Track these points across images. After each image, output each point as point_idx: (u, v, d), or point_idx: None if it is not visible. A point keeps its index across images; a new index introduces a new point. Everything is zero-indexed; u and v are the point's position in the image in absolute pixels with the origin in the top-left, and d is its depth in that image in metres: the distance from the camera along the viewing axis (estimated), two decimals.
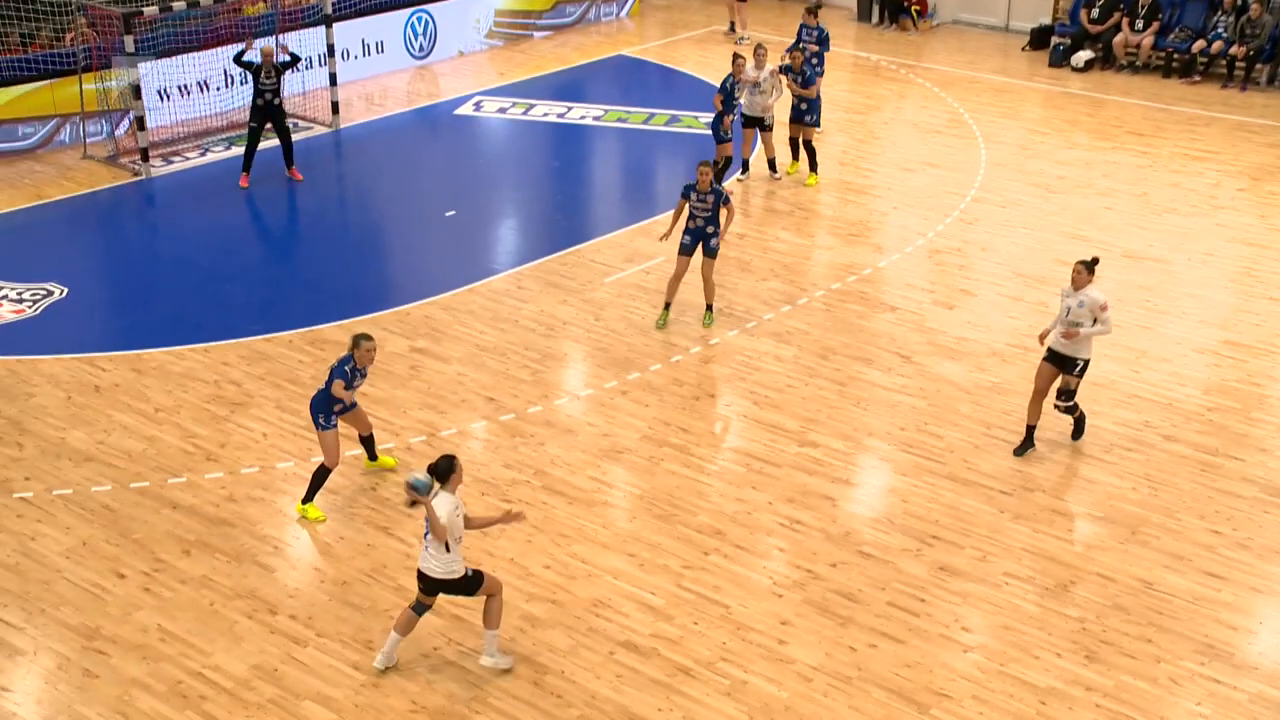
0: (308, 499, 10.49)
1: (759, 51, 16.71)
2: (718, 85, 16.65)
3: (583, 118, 19.93)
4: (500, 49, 23.38)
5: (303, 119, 19.44)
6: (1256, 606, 9.47)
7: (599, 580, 9.75)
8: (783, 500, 10.68)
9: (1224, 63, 21.01)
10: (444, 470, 8.51)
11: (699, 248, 13.37)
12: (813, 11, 18.59)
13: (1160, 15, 21.55)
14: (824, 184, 17.27)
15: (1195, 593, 9.58)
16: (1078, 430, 11.45)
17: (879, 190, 17.19)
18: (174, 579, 9.76)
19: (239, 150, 18.19)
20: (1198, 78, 21.22)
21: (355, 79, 21.15)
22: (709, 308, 13.60)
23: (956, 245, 15.50)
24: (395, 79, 21.73)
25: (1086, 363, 11.02)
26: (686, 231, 13.35)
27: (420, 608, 8.79)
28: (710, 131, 16.69)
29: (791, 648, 9.06)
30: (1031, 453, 11.31)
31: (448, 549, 8.50)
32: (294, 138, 18.24)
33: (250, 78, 17.00)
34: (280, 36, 18.89)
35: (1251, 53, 20.57)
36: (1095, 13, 22.05)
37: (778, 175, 17.29)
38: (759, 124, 16.88)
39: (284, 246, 15.75)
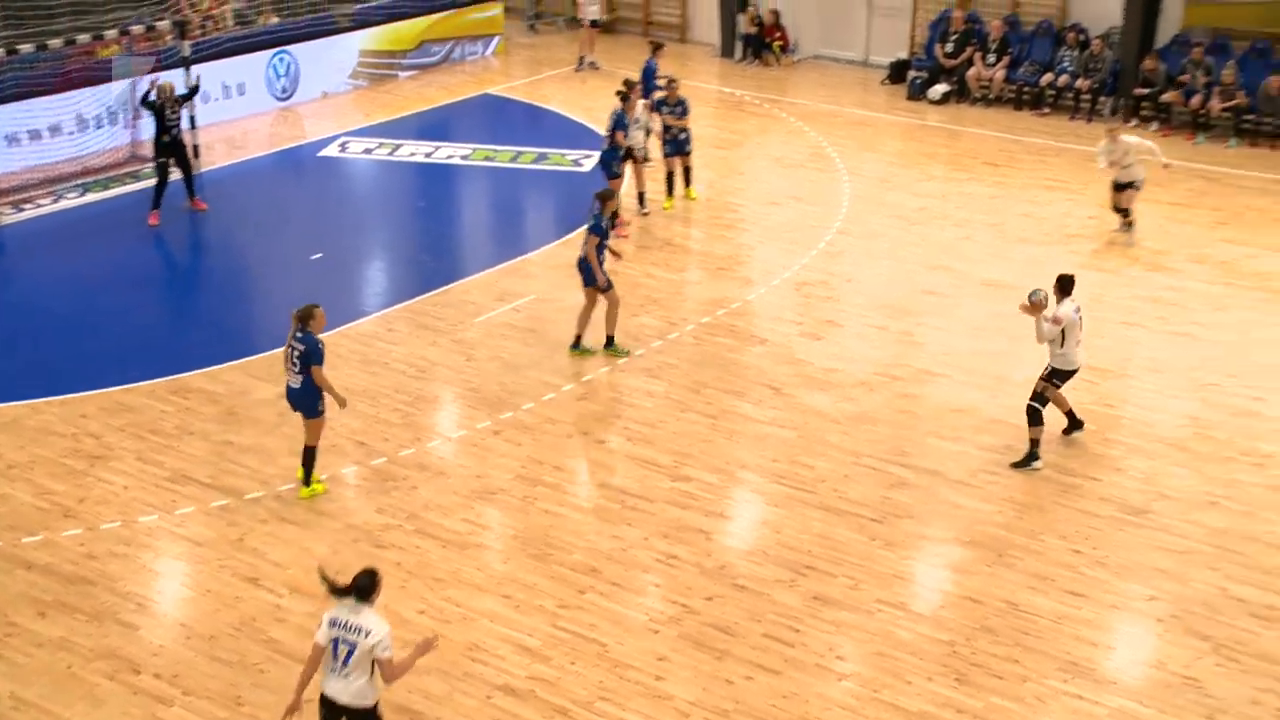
0: (307, 480, 11.08)
1: (636, 87, 16.93)
2: (608, 122, 16.80)
3: (450, 157, 19.88)
4: (365, 89, 23.23)
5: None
6: (1115, 623, 9.78)
7: (474, 624, 9.68)
8: (658, 536, 10.73)
9: (1071, 96, 21.82)
10: (367, 587, 7.61)
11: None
12: (657, 50, 19.39)
13: (1010, 50, 22.31)
14: (692, 218, 17.47)
15: (1058, 612, 9.86)
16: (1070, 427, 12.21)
17: (746, 224, 17.44)
18: (28, 643, 9.42)
19: (95, 196, 17.81)
20: (1047, 110, 22.00)
21: (216, 121, 20.81)
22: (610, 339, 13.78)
23: (822, 277, 15.79)
24: (258, 121, 21.44)
25: (1052, 369, 11.76)
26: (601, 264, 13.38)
27: None
28: (602, 167, 16.80)
29: (669, 684, 9.09)
30: (1077, 434, 12.03)
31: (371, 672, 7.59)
32: (154, 182, 17.98)
33: (154, 117, 17.05)
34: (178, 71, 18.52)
35: (1095, 86, 21.42)
36: (949, 47, 22.72)
37: (646, 210, 17.46)
38: (633, 157, 17.07)
39: (145, 294, 15.37)
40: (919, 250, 16.55)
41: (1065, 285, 11.68)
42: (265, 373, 13.30)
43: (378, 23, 23.62)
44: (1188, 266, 15.94)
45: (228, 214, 17.88)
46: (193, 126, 18.77)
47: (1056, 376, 11.81)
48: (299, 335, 10.86)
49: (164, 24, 19.41)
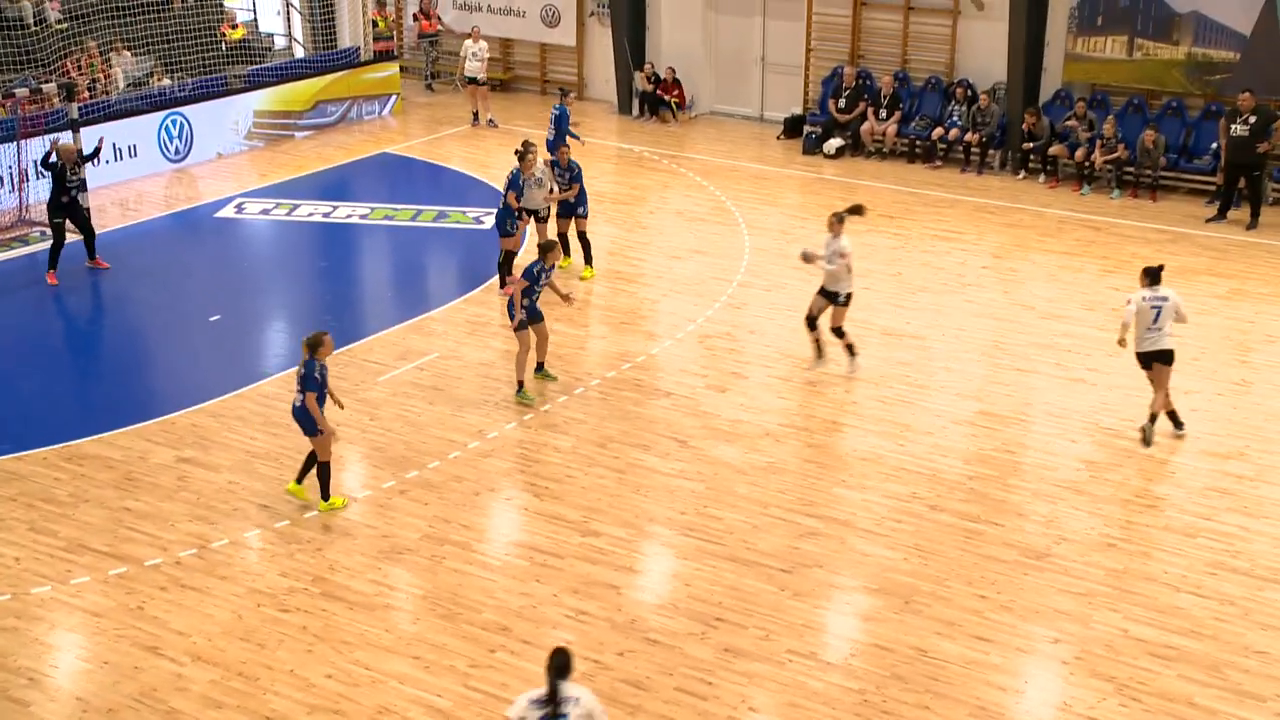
0: (325, 495, 11.74)
1: (533, 147, 16.91)
2: (503, 181, 16.90)
3: (349, 216, 19.80)
4: (261, 150, 23.06)
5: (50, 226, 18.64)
6: (1022, 667, 9.95)
7: (383, 686, 9.54)
8: (568, 592, 10.70)
9: (961, 149, 22.44)
10: (565, 666, 7.34)
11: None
12: (565, 95, 19.90)
13: (901, 105, 22.89)
14: (598, 275, 17.56)
15: (966, 657, 10.00)
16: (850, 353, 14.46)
17: (649, 278, 17.60)
18: None
19: None
20: (939, 163, 22.57)
21: (108, 184, 20.50)
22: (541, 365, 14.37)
23: (726, 329, 15.97)
24: (151, 183, 21.16)
25: (849, 295, 14.32)
26: (526, 308, 13.74)
27: None
28: (497, 226, 16.80)
29: None
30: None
31: None
32: (42, 247, 17.74)
33: (52, 178, 16.98)
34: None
35: (984, 139, 22.05)
36: (842, 102, 23.24)
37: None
38: (534, 215, 17.12)
39: (36, 358, 15.02)
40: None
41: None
42: (162, 436, 13.07)
43: (272, 83, 23.52)
44: (1080, 314, 16.41)
45: (122, 277, 17.57)
46: (83, 190, 18.43)
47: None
48: (305, 360, 11.56)
49: (50, 87, 19.12)
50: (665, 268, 17.96)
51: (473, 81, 24.76)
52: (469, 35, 25.15)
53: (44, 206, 18.43)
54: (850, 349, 14.58)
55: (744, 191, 21.25)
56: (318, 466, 11.75)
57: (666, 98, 25.17)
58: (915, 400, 14.06)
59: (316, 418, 11.44)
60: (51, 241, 17.15)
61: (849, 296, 14.38)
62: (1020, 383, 14.58)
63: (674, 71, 25.12)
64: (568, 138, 19.03)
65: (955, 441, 13.25)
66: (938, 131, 22.46)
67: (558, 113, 19.45)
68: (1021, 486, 12.43)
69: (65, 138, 18.15)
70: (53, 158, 17.01)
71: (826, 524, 11.73)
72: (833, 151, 23.06)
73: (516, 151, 16.89)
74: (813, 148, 23.28)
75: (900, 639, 10.17)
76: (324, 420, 11.53)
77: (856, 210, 14.63)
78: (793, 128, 24.17)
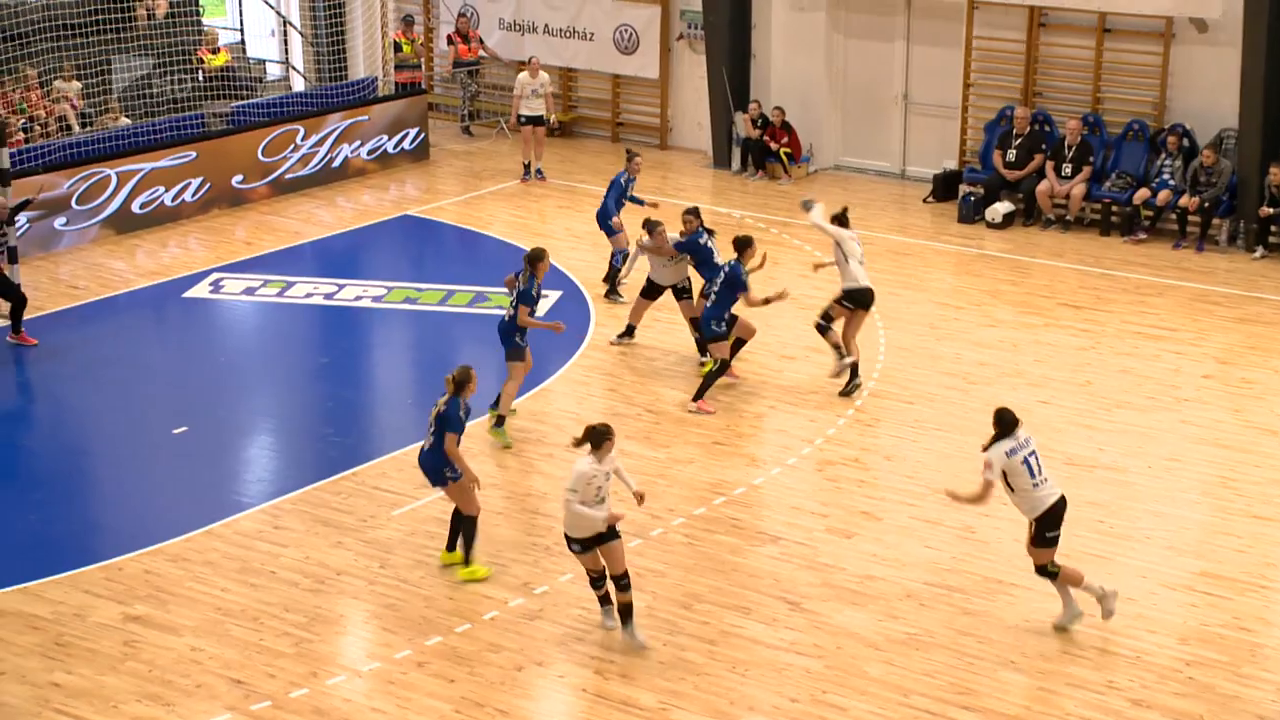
0: (467, 560, 13.34)
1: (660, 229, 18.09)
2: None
3: (358, 298, 20.17)
4: (245, 208, 23.60)
5: None
6: None
7: None
8: None
9: (1174, 217, 22.38)
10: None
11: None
12: (632, 159, 20.37)
13: (1091, 159, 22.93)
14: (679, 374, 17.66)
15: None
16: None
17: (750, 385, 17.65)
18: None
19: None
20: (1143, 235, 22.54)
21: (47, 251, 21.09)
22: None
23: (853, 454, 15.94)
24: (101, 250, 21.71)
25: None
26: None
27: None
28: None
29: None
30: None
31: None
32: None
33: None
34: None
35: (1206, 205, 21.95)
36: (1012, 155, 23.34)
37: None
38: (672, 290, 18.18)
39: None
40: (982, 418, 16.50)
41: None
42: (106, 588, 13.26)
43: (263, 124, 24.16)
44: None
45: (60, 373, 17.98)
46: (13, 260, 18.99)
47: None
48: (450, 398, 13.30)
49: None
50: (772, 370, 18.02)
51: (533, 122, 25.31)
52: (522, 67, 25.71)
53: None
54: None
55: (878, 271, 21.16)
56: (464, 522, 13.34)
57: (776, 147, 25.45)
58: (1111, 554, 13.90)
59: (459, 460, 13.11)
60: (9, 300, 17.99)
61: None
62: (1258, 534, 14.36)
63: (783, 113, 25.40)
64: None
65: (1167, 612, 13.05)
66: (1142, 194, 22.45)
67: (619, 180, 20.12)
68: (1262, 679, 12.19)
69: None
70: None
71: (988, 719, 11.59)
72: (999, 219, 23.12)
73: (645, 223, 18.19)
74: (972, 214, 23.36)
75: None
76: (467, 465, 13.19)
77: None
78: (945, 188, 24.30)
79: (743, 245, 17.25)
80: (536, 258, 16.12)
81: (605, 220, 19.93)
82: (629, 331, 18.60)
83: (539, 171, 25.24)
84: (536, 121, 25.21)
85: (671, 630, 12.73)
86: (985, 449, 12.53)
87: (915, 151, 25.44)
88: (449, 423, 13.19)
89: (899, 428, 16.55)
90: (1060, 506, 12.60)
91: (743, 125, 25.71)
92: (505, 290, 16.45)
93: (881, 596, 13.27)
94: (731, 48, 25.84)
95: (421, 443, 13.54)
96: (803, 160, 25.69)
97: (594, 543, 12.24)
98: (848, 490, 15.21)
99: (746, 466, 15.71)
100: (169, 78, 24.18)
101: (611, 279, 19.96)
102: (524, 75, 25.33)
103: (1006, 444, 12.45)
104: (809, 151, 25.81)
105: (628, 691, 11.92)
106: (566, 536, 12.35)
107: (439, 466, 13.27)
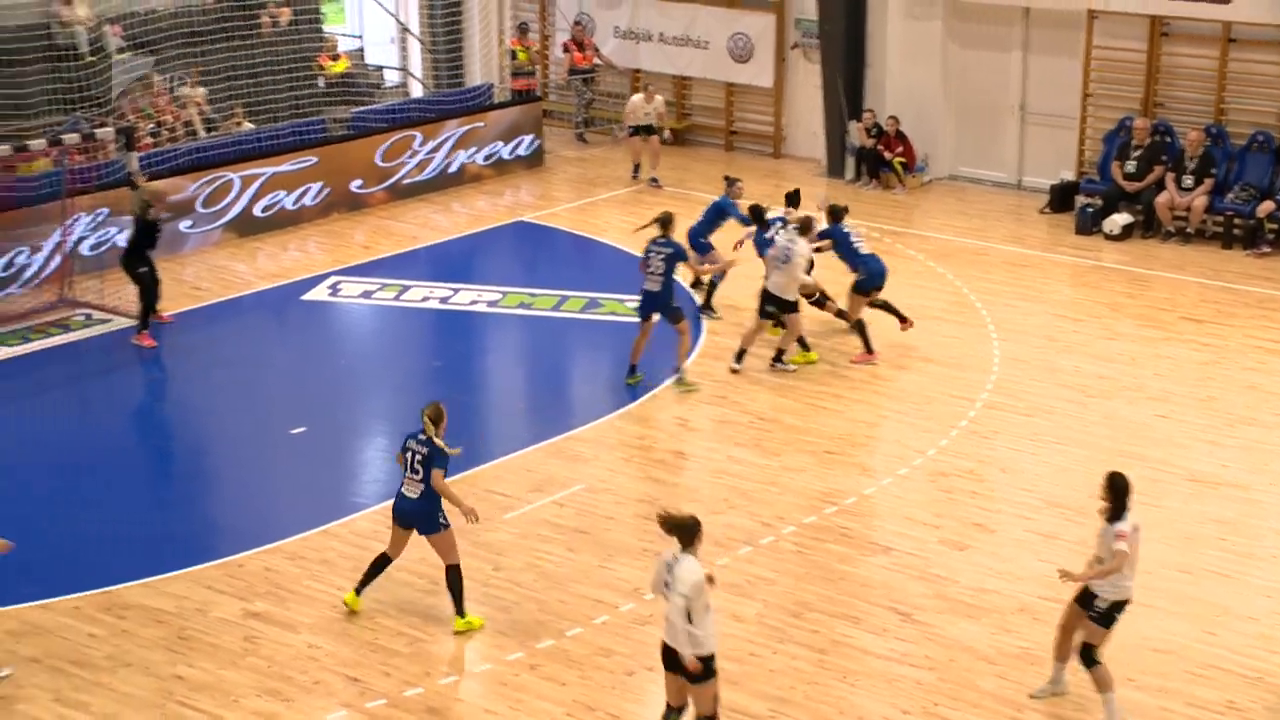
0: (460, 611, 12.63)
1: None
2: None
3: (473, 303, 20.31)
4: (364, 213, 23.85)
5: (101, 309, 19.62)
6: None
7: None
8: None
9: None
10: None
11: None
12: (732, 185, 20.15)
13: (1214, 170, 22.60)
14: (791, 385, 17.62)
15: None
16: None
17: (863, 393, 17.58)
18: None
19: (7, 351, 18.43)
20: (1267, 249, 22.18)
21: (169, 254, 21.42)
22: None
23: (968, 466, 15.83)
24: (222, 254, 22.03)
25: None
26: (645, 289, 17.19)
27: None
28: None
29: None
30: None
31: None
32: (86, 334, 18.88)
33: (139, 228, 18.61)
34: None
35: None
36: (1131, 166, 23.06)
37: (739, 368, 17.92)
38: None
39: (69, 479, 15.65)
40: (1101, 432, 16.57)
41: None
42: (227, 584, 13.45)
43: (381, 130, 24.41)
44: None
45: (181, 374, 18.30)
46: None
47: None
48: (427, 438, 12.50)
49: (106, 132, 20.16)
50: (886, 380, 17.93)
51: (642, 131, 25.42)
52: (637, 80, 25.73)
53: (83, 284, 19.68)
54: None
55: (994, 282, 21.14)
56: (450, 574, 12.66)
57: (890, 156, 25.35)
58: (1235, 573, 13.69)
59: (450, 494, 12.50)
60: (140, 301, 18.58)
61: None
62: None
63: (898, 122, 25.28)
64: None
65: None
66: (1266, 207, 22.11)
67: (722, 203, 20.00)
68: None
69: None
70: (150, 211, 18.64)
71: None
72: (1117, 231, 22.86)
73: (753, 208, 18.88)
74: (1089, 225, 23.12)
75: None
76: (459, 498, 12.59)
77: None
78: (1062, 199, 24.08)
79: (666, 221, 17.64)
80: (668, 221, 17.34)
81: (696, 239, 19.61)
82: (779, 357, 18.14)
83: (654, 180, 25.28)
84: (647, 131, 25.33)
85: (781, 638, 12.70)
86: (1110, 518, 11.32)
87: (1031, 162, 25.22)
88: (436, 459, 12.44)
89: (1015, 440, 16.40)
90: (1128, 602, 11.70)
91: (857, 134, 25.62)
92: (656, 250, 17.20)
93: (995, 610, 13.16)
94: (846, 56, 25.75)
95: (401, 491, 12.68)
96: (917, 170, 25.56)
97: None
98: (961, 502, 15.09)
99: (858, 475, 15.64)
100: (291, 84, 24.41)
101: (709, 296, 19.73)
102: (638, 98, 25.56)
103: (1135, 518, 11.39)
104: (923, 161, 25.67)
105: (737, 698, 11.89)
106: (667, 647, 10.71)
107: (432, 511, 12.56)
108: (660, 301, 17.26)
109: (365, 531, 14.40)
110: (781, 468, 15.85)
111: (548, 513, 14.75)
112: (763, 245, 18.43)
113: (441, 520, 12.57)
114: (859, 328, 18.41)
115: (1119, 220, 22.92)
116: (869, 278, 18.41)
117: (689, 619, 10.38)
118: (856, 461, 15.99)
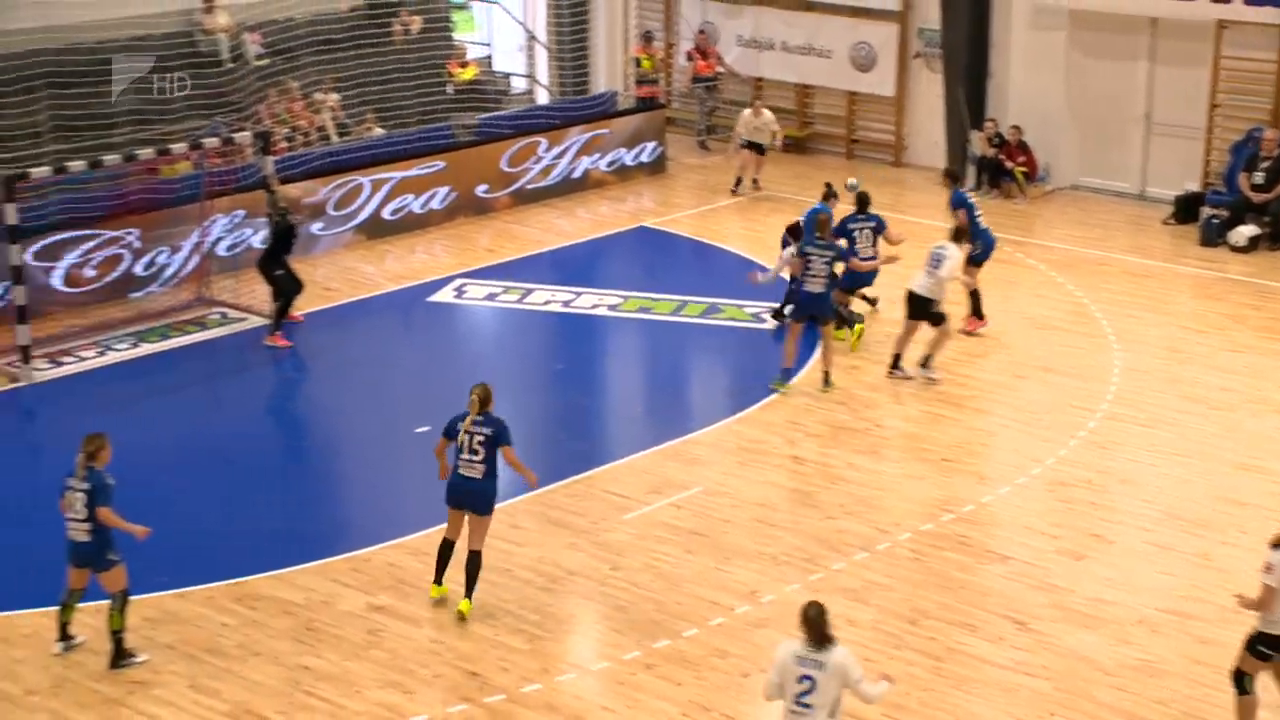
0: (470, 593, 12.91)
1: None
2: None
3: (594, 307, 20.44)
4: (489, 218, 24.06)
5: (233, 308, 20.00)
6: None
7: None
8: None
9: None
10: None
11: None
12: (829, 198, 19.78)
13: None
14: (908, 393, 17.56)
15: None
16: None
17: (981, 402, 17.48)
18: None
19: (148, 347, 18.73)
20: None
21: (302, 256, 21.76)
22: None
23: (1086, 476, 15.68)
24: (352, 256, 22.36)
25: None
26: (807, 290, 17.29)
27: None
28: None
29: None
30: None
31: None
32: (222, 332, 19.25)
33: (277, 232, 19.02)
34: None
35: None
36: (1259, 177, 22.69)
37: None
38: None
39: (204, 473, 15.95)
40: (1222, 444, 16.34)
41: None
42: (353, 578, 13.66)
43: (506, 136, 24.61)
44: None
45: (310, 373, 18.59)
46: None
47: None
48: (477, 419, 12.85)
49: (244, 136, 20.54)
50: (1005, 389, 17.81)
51: (753, 147, 25.32)
52: (758, 91, 25.67)
53: (220, 283, 20.09)
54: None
55: (1115, 292, 20.92)
56: (477, 558, 12.98)
57: (1012, 165, 25.15)
58: None
59: (520, 467, 13.01)
60: (274, 302, 18.97)
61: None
62: None
63: (1020, 132, 25.09)
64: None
65: None
66: None
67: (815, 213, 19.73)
68: None
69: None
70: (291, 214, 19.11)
71: None
72: (1243, 242, 22.52)
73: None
74: (1215, 237, 22.80)
75: None
76: (525, 467, 13.13)
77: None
78: (1187, 209, 23.77)
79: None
80: (827, 219, 17.78)
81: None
82: (916, 367, 18.00)
83: (754, 182, 25.28)
84: (757, 148, 25.21)
85: (897, 645, 12.65)
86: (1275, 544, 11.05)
87: (1156, 172, 24.91)
88: (504, 435, 12.91)
89: (1135, 451, 16.22)
90: None
91: (978, 143, 25.45)
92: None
93: (1113, 621, 13.02)
94: (969, 66, 25.60)
95: (460, 474, 12.92)
96: (1038, 179, 25.34)
97: None
98: (1080, 512, 14.95)
99: (976, 484, 15.54)
100: (420, 90, 24.67)
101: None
102: (747, 113, 25.31)
103: None
104: (1045, 171, 25.46)
105: (852, 703, 11.84)
106: None
107: (491, 493, 12.94)
108: (822, 303, 17.32)
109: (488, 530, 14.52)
110: (899, 475, 15.80)
111: (665, 514, 14.81)
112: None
113: (494, 503, 12.98)
114: (975, 296, 19.17)
115: (1245, 232, 22.59)
116: (984, 250, 19.14)
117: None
118: (975, 470, 15.90)
